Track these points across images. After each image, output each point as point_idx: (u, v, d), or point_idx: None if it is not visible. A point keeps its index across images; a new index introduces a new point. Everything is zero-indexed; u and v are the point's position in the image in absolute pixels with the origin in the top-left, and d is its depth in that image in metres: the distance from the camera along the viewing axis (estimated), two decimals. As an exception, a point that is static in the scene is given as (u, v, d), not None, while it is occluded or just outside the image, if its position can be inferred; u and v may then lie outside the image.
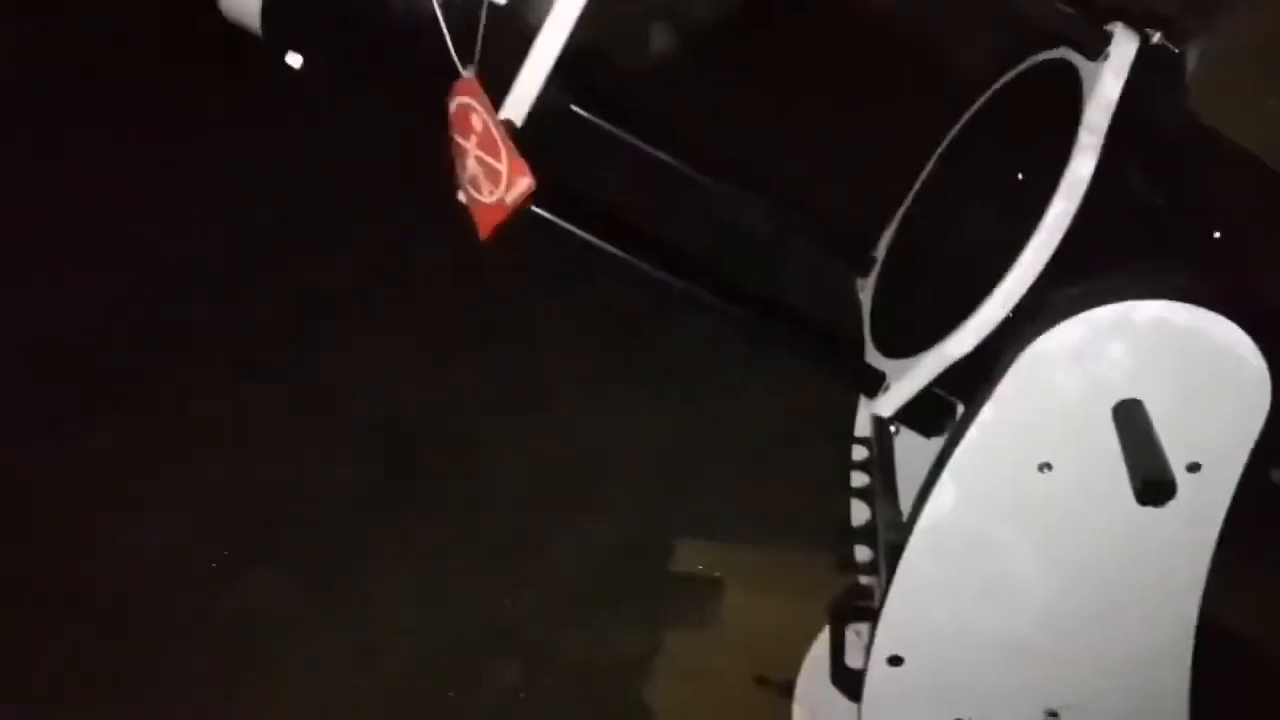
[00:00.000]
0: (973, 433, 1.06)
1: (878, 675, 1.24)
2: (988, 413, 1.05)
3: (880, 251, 1.39)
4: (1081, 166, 1.02)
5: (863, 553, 1.43)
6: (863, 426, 1.51)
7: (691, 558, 2.14)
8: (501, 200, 0.93)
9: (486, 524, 2.27)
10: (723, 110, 2.41)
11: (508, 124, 0.91)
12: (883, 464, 1.43)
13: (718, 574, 2.10)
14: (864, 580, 1.49)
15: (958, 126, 1.32)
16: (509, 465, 2.40)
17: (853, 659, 1.43)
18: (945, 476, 1.10)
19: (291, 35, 1.00)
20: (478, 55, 0.90)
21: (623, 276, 1.08)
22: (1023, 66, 1.22)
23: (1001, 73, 1.30)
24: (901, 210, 1.38)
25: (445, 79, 0.94)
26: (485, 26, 0.90)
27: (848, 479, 1.53)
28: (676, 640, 2.01)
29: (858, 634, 1.37)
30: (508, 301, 2.77)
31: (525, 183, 0.90)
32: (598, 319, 2.62)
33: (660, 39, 2.11)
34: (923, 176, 1.36)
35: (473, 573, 2.17)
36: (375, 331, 2.71)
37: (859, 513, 1.48)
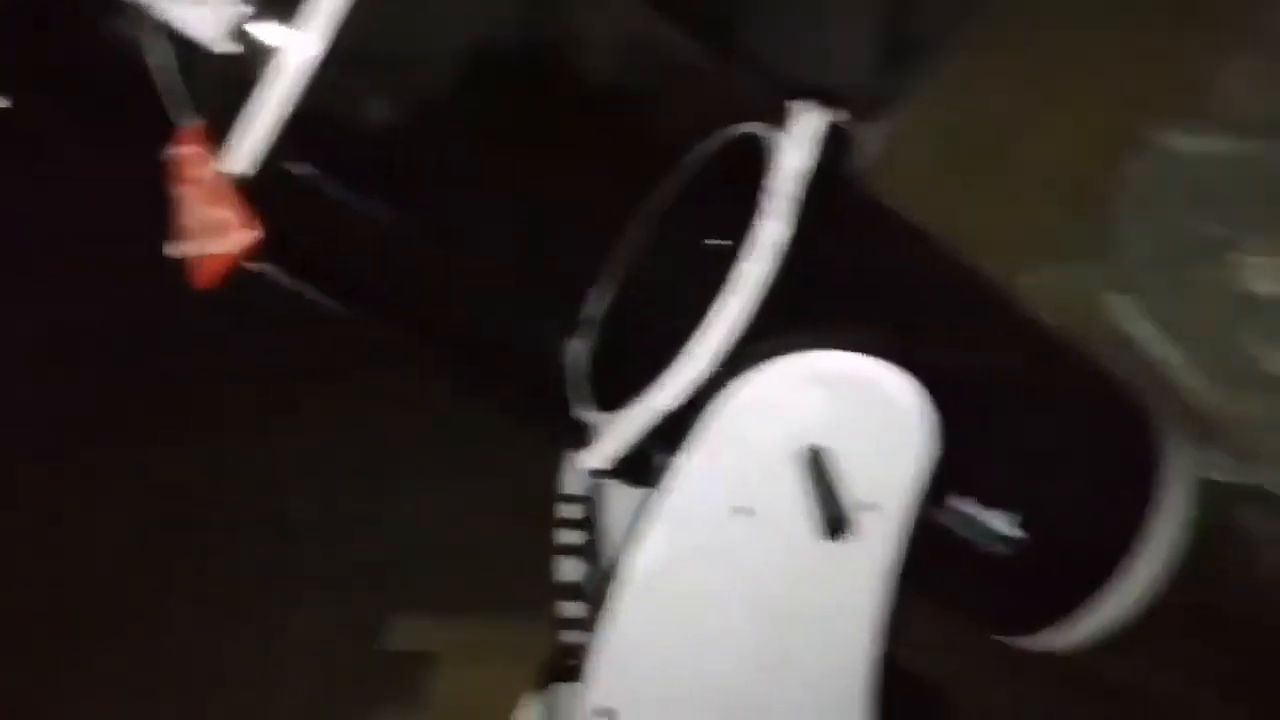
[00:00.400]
0: (677, 481, 1.11)
1: None
2: (691, 460, 1.10)
3: (589, 312, 1.43)
4: (770, 229, 1.10)
5: (573, 609, 1.45)
6: (570, 484, 1.57)
7: (409, 636, 2.14)
8: (224, 250, 0.92)
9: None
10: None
11: (232, 176, 0.90)
12: (589, 519, 1.48)
13: (433, 650, 2.10)
14: (573, 638, 1.52)
15: (656, 192, 1.39)
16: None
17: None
18: (652, 525, 1.14)
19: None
20: (207, 103, 0.88)
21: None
22: (714, 139, 1.30)
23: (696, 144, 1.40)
24: (605, 272, 1.43)
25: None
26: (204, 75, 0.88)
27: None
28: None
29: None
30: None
31: (248, 234, 0.89)
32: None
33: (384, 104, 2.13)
34: (625, 240, 1.42)
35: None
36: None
37: (569, 570, 1.52)
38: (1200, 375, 1.81)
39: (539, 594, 1.78)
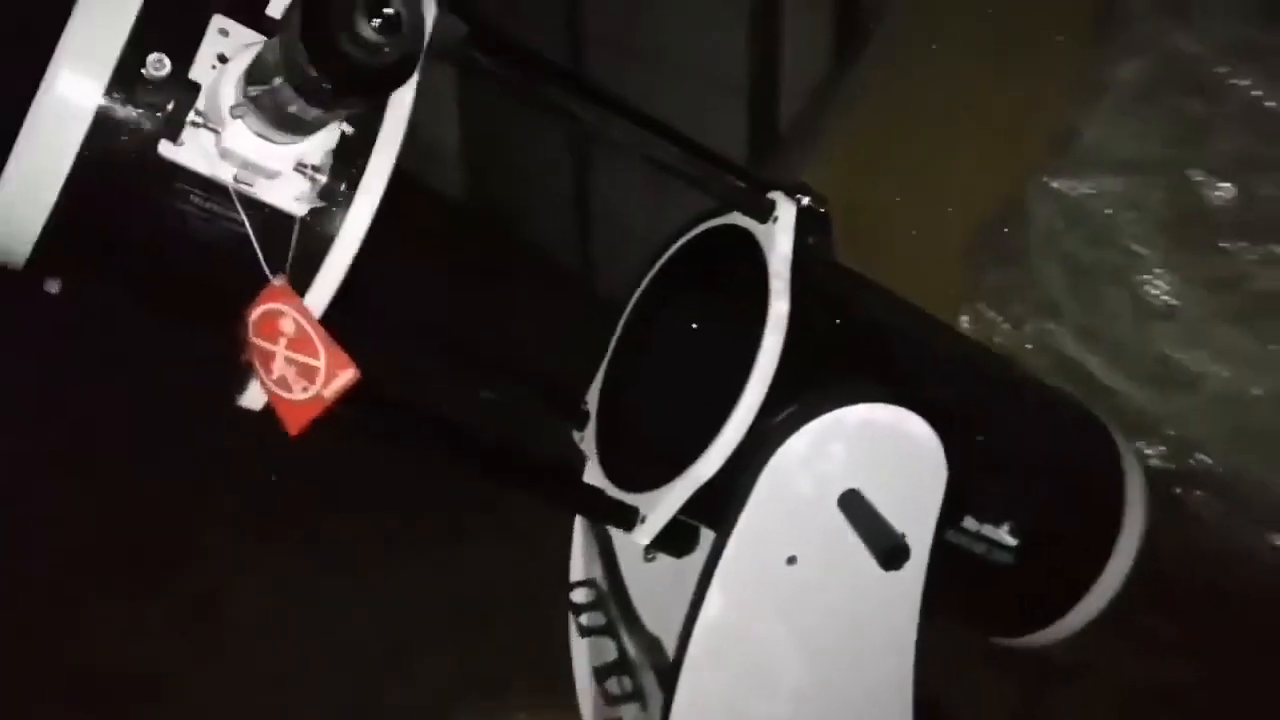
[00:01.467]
0: (732, 542, 1.21)
1: None
2: (743, 521, 1.20)
3: (590, 404, 1.53)
4: (778, 307, 1.21)
5: (616, 685, 1.52)
6: (578, 571, 1.64)
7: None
8: (319, 395, 0.97)
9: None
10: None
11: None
12: (617, 596, 1.55)
13: None
14: (617, 712, 1.58)
15: (642, 286, 1.51)
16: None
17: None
18: (713, 586, 1.23)
19: (69, 267, 1.00)
20: (289, 263, 0.96)
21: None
22: (698, 230, 1.43)
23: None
24: (604, 366, 1.53)
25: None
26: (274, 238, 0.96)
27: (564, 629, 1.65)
28: None
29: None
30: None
31: (349, 374, 0.96)
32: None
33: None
34: (618, 332, 1.53)
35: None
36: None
37: (599, 651, 1.58)
38: (1127, 382, 2.04)
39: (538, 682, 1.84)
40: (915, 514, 1.24)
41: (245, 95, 0.86)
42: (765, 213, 1.29)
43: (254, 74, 0.85)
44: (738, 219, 1.34)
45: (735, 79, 3.07)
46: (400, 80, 0.81)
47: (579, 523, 1.62)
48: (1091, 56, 2.13)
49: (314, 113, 0.82)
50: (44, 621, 2.48)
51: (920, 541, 1.25)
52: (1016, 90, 2.13)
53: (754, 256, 1.28)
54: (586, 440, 1.51)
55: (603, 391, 1.52)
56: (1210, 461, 1.99)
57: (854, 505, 1.20)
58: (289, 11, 0.84)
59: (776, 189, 1.32)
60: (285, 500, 2.74)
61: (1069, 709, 2.22)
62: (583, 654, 1.66)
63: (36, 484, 2.80)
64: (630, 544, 1.50)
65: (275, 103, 0.83)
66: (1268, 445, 1.99)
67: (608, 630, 1.53)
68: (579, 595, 1.58)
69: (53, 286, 1.03)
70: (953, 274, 2.10)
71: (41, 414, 2.98)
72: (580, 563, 1.61)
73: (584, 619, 1.55)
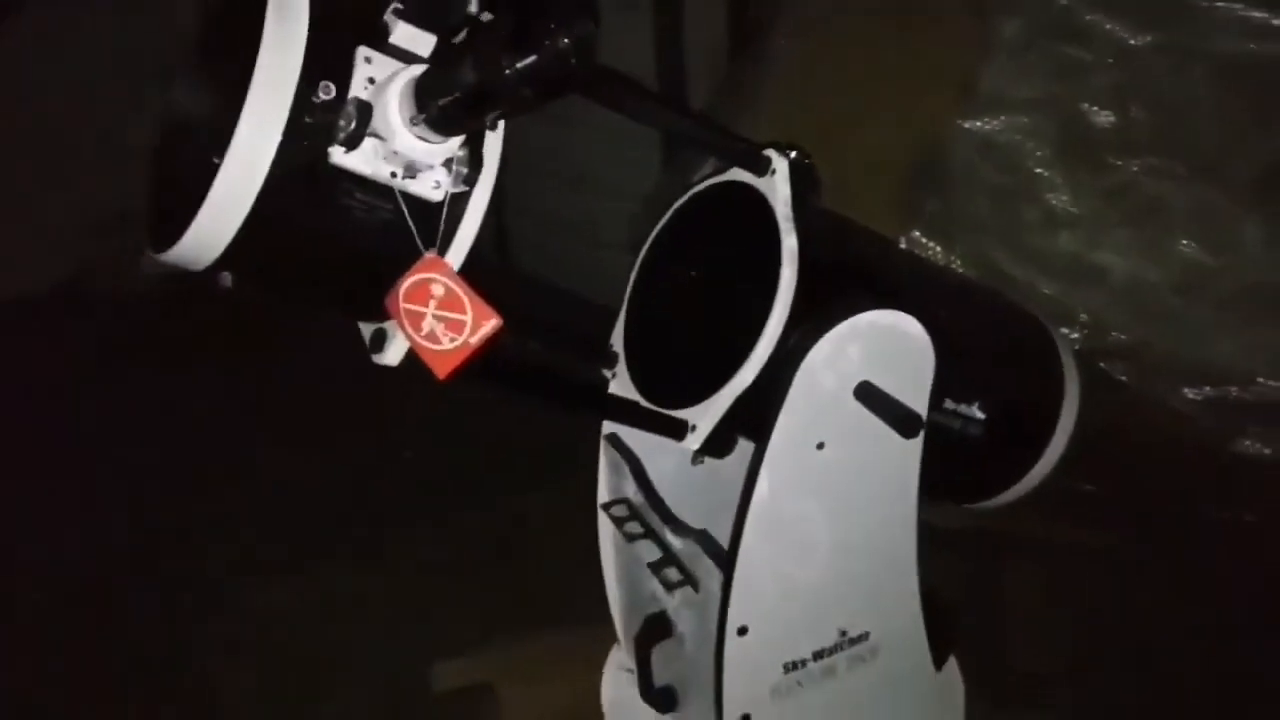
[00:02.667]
0: (776, 434, 1.46)
1: (733, 647, 1.56)
2: (784, 416, 1.45)
3: (617, 345, 1.76)
4: (789, 242, 1.46)
5: (671, 574, 1.74)
6: (606, 494, 1.87)
7: (459, 674, 2.32)
8: (466, 342, 1.19)
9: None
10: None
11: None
12: (656, 506, 1.79)
13: (487, 680, 2.30)
14: (666, 599, 1.82)
15: (655, 231, 1.74)
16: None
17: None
18: (761, 474, 1.48)
19: (250, 269, 1.19)
20: (439, 238, 1.18)
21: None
22: (702, 185, 1.67)
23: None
24: (624, 311, 1.76)
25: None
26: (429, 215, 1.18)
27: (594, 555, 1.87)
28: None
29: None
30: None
31: (494, 322, 1.18)
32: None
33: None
34: (633, 280, 1.76)
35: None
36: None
37: (647, 551, 1.80)
38: (1048, 281, 2.38)
39: (558, 609, 2.04)
40: (914, 395, 1.50)
41: (420, 108, 1.07)
42: (764, 167, 1.53)
43: (435, 88, 1.07)
44: (737, 175, 1.59)
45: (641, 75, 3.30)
46: (582, 81, 1.03)
47: (603, 455, 1.86)
48: (981, 17, 2.45)
49: (491, 117, 1.05)
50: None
51: (922, 413, 1.52)
52: (921, 51, 2.45)
53: (755, 206, 1.52)
54: (620, 375, 1.74)
55: (627, 332, 1.75)
56: (1124, 338, 2.35)
57: (869, 393, 1.47)
58: (486, 40, 1.06)
59: (769, 148, 1.58)
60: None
61: (1014, 575, 2.54)
62: (612, 566, 1.92)
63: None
64: (663, 464, 1.79)
65: (451, 114, 1.05)
66: (1167, 320, 2.36)
67: (647, 535, 1.77)
68: (617, 510, 1.83)
69: (226, 281, 1.22)
70: (891, 208, 2.40)
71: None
72: (607, 487, 1.84)
73: (626, 528, 1.79)
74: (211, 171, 1.08)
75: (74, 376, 3.43)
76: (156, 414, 3.23)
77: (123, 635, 2.52)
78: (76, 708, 2.35)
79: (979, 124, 2.42)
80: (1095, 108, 2.37)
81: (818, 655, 1.63)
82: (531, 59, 0.98)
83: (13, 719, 2.29)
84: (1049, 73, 2.39)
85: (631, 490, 1.80)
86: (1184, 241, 2.36)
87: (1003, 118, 2.40)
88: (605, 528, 1.87)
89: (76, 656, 2.47)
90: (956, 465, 1.76)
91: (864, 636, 1.66)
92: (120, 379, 3.37)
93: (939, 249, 2.39)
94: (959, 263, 2.40)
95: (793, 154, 1.55)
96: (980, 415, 1.68)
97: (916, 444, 1.52)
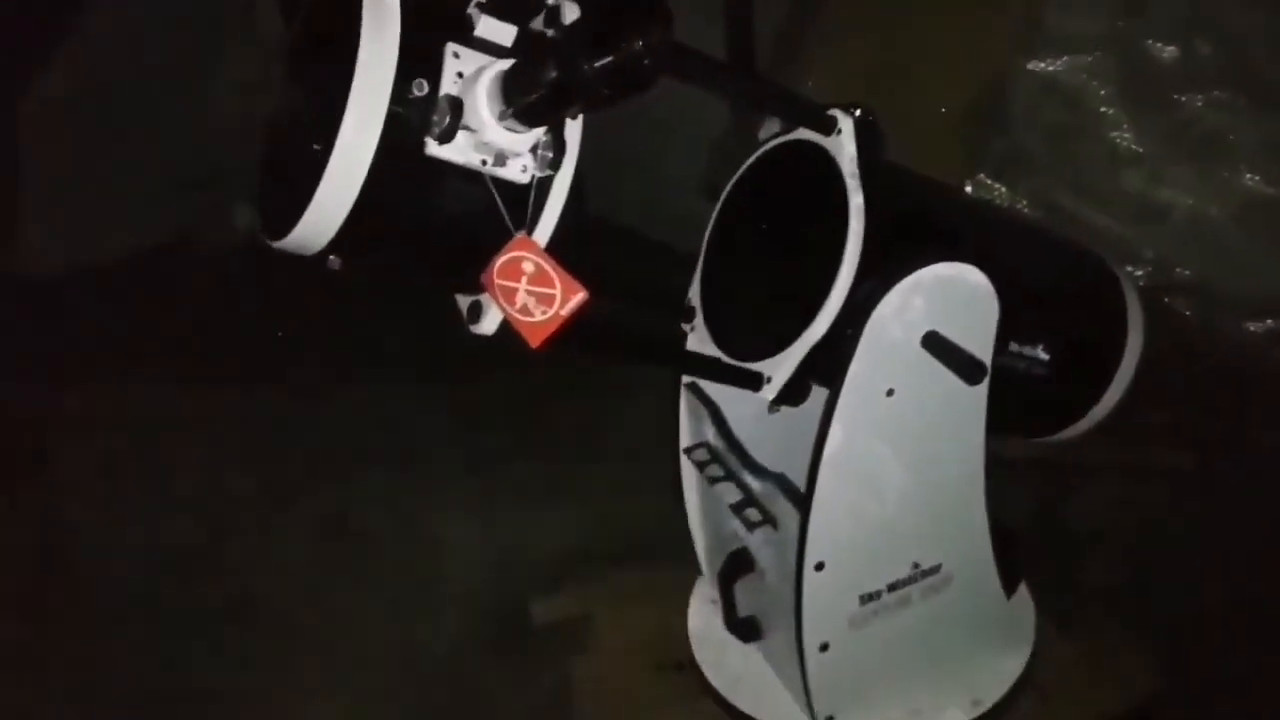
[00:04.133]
0: (847, 383, 1.51)
1: (811, 582, 1.63)
2: (855, 366, 1.50)
3: (694, 299, 1.82)
4: (856, 199, 1.50)
5: (752, 514, 1.80)
6: (687, 439, 1.93)
7: (552, 609, 2.42)
8: (556, 313, 1.26)
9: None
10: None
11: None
12: (736, 451, 1.86)
13: (586, 611, 2.39)
14: (748, 537, 1.88)
15: (727, 190, 1.78)
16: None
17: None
18: (834, 420, 1.54)
19: (356, 251, 1.28)
20: (528, 219, 1.25)
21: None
22: (771, 145, 1.71)
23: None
24: (699, 267, 1.82)
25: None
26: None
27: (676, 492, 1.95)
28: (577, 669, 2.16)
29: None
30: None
31: (581, 295, 1.24)
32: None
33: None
34: (707, 237, 1.82)
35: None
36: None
37: (728, 492, 1.87)
38: (1111, 220, 2.38)
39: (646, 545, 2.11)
40: (979, 342, 1.54)
41: (507, 103, 1.14)
42: (830, 127, 1.57)
43: (521, 84, 1.13)
44: (804, 134, 1.63)
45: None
46: (656, 78, 1.09)
47: (684, 402, 1.92)
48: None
49: (572, 110, 1.11)
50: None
51: (986, 361, 1.56)
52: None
53: (822, 164, 1.56)
54: (698, 329, 1.80)
55: (703, 287, 1.81)
56: (1188, 274, 2.35)
57: (936, 342, 1.51)
58: (567, 40, 1.12)
59: (835, 108, 1.61)
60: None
61: (1079, 499, 2.57)
62: (696, 507, 1.99)
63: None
64: (741, 410, 1.85)
65: (535, 108, 1.12)
66: (1229, 254, 2.35)
67: (728, 478, 1.84)
68: (699, 455, 1.90)
69: (335, 264, 1.29)
70: (954, 152, 2.41)
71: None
72: (688, 432, 1.91)
73: (707, 472, 1.86)
74: (320, 166, 1.16)
75: (191, 325, 3.56)
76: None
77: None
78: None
79: (1039, 63, 2.40)
80: (1157, 43, 2.35)
81: (892, 587, 1.71)
82: (609, 59, 1.04)
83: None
84: (1109, 9, 2.37)
85: (711, 434, 1.87)
86: (1248, 175, 2.34)
87: (1065, 57, 2.38)
88: (688, 470, 1.95)
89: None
90: (1023, 404, 1.80)
91: (936, 568, 1.73)
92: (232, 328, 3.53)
93: (1004, 190, 2.40)
94: (1024, 204, 2.40)
95: (858, 112, 1.59)
96: (1045, 357, 1.72)
97: (982, 389, 1.56)
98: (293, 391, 3.22)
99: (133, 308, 3.59)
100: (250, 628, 2.45)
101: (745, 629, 1.93)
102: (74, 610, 2.51)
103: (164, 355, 3.38)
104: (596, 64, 1.05)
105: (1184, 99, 2.37)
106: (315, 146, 1.17)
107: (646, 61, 1.04)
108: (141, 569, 2.60)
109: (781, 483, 1.73)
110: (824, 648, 1.68)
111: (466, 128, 1.18)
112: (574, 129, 1.27)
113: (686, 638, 2.05)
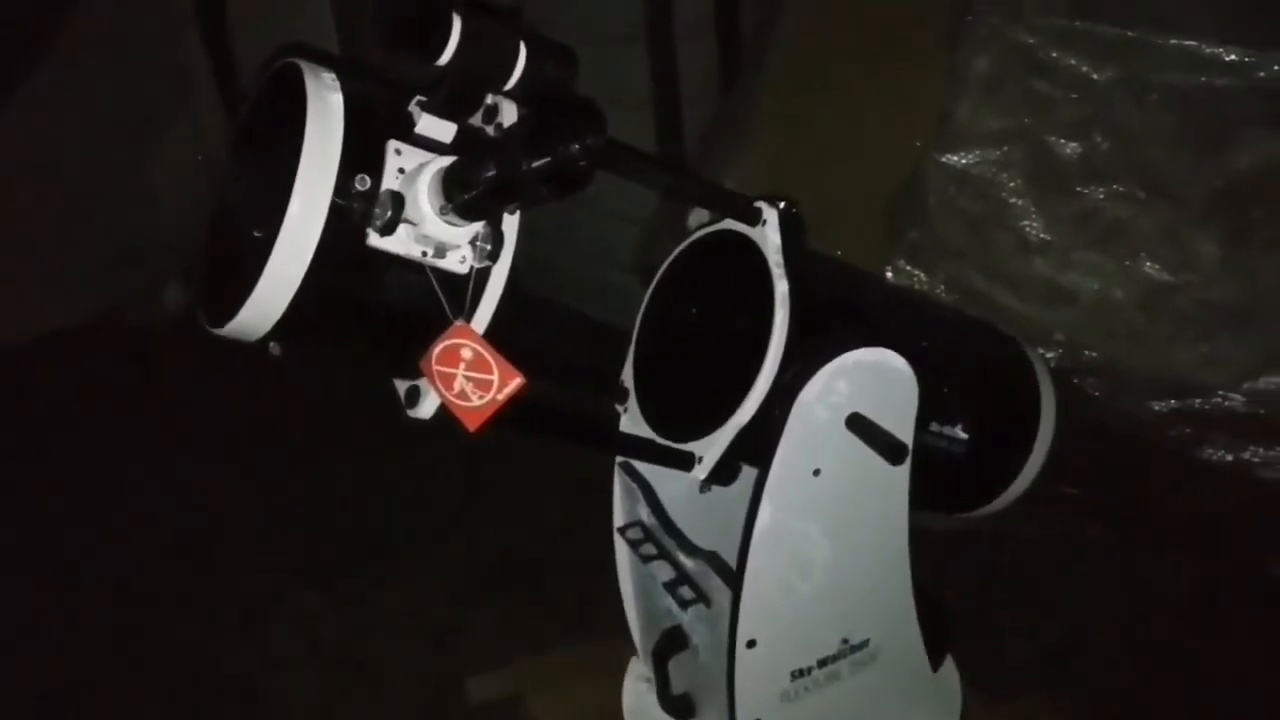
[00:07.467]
0: (775, 464, 1.53)
1: (744, 659, 1.62)
2: (782, 447, 1.52)
3: (627, 381, 1.84)
4: (781, 287, 1.53)
5: (685, 592, 1.80)
6: (621, 518, 1.93)
7: (491, 686, 2.38)
8: (494, 399, 1.26)
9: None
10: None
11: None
12: (669, 529, 1.87)
13: (520, 691, 2.36)
14: (681, 615, 1.89)
15: (659, 275, 1.79)
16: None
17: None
18: (764, 499, 1.55)
19: (297, 339, 1.27)
20: (466, 308, 1.26)
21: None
22: (698, 235, 1.74)
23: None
24: (631, 350, 1.83)
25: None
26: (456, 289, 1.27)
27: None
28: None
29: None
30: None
31: (518, 381, 1.24)
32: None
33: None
34: (639, 321, 1.82)
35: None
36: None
37: (662, 571, 1.88)
38: (1023, 303, 2.46)
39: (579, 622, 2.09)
40: (900, 423, 1.57)
41: (448, 198, 1.16)
42: (755, 218, 1.61)
43: (460, 181, 1.15)
44: (731, 224, 1.67)
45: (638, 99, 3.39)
46: (591, 178, 1.12)
47: (617, 481, 1.92)
48: (952, 56, 2.53)
49: (510, 207, 1.14)
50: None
51: (907, 442, 1.60)
52: (899, 88, 2.54)
53: (748, 253, 1.60)
54: (631, 410, 1.82)
55: (636, 369, 1.83)
56: (1095, 355, 2.44)
57: (859, 423, 1.54)
58: (507, 141, 1.14)
59: (760, 200, 1.66)
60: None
61: (1004, 574, 2.62)
62: (629, 585, 1.99)
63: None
64: (674, 489, 1.86)
65: (475, 204, 1.14)
66: (1134, 337, 2.45)
67: (661, 556, 1.84)
68: (633, 533, 1.90)
69: (276, 350, 1.29)
70: (874, 240, 2.49)
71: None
72: (622, 511, 1.92)
73: (641, 550, 1.86)
74: (264, 254, 1.16)
75: (111, 400, 3.56)
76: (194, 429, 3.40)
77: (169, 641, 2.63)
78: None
79: (953, 156, 2.50)
80: (1061, 139, 2.46)
81: (822, 663, 1.71)
82: (546, 160, 1.07)
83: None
84: (1017, 106, 2.48)
85: (645, 514, 1.87)
86: (1148, 263, 2.45)
87: (976, 150, 2.48)
88: (621, 549, 1.95)
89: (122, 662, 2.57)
90: (943, 481, 1.83)
91: (864, 643, 1.74)
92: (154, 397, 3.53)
93: (922, 276, 2.47)
94: (941, 289, 2.48)
95: (781, 205, 1.64)
96: (964, 435, 1.76)
97: (905, 469, 1.59)
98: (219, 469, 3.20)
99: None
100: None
101: (679, 706, 1.91)
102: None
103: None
104: (535, 164, 1.08)
105: (1087, 190, 2.47)
106: (257, 234, 1.17)
107: (583, 163, 1.07)
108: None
109: (714, 561, 1.74)
110: (756, 723, 1.67)
111: (408, 221, 1.19)
112: (511, 222, 1.28)
113: (621, 716, 2.04)
